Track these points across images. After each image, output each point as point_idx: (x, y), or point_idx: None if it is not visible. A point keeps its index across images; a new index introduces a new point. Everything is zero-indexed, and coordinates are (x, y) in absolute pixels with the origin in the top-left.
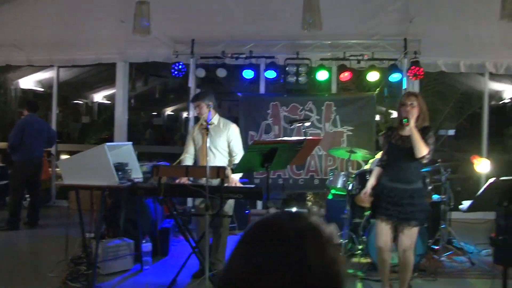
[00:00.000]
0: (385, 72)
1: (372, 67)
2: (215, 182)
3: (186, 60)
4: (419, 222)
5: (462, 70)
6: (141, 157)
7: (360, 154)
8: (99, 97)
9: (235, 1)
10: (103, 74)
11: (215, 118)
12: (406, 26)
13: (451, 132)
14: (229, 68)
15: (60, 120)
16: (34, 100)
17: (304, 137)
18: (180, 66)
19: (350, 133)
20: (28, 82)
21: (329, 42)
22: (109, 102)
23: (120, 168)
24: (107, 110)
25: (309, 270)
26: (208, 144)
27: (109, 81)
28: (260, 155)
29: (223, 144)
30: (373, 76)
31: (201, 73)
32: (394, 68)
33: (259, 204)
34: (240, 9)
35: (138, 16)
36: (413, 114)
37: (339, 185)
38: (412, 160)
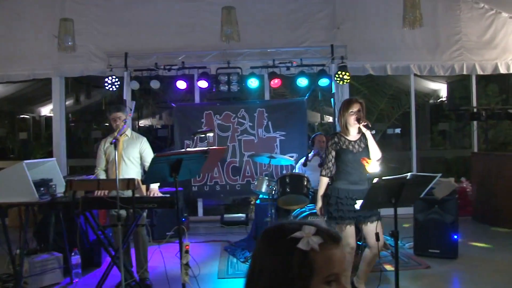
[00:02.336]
0: (315, 78)
1: (301, 73)
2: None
3: (121, 73)
4: (378, 216)
5: (389, 73)
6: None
7: (281, 159)
8: (46, 110)
9: (166, 14)
10: (48, 88)
11: (128, 131)
12: (334, 32)
13: (398, 130)
14: (162, 80)
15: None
16: None
17: (207, 148)
18: (113, 80)
19: (283, 137)
20: None
21: (259, 50)
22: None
23: (43, 184)
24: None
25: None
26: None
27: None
28: (168, 166)
29: (135, 155)
30: (302, 82)
31: (135, 85)
32: (322, 73)
33: (200, 211)
34: (171, 22)
35: (62, 33)
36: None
37: (263, 189)
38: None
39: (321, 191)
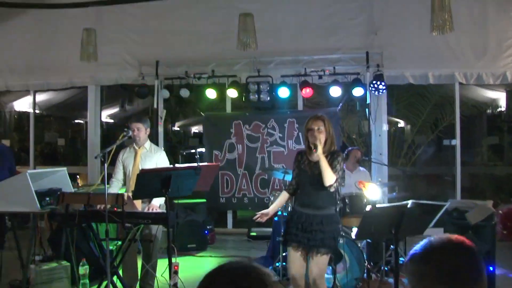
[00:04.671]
0: (348, 87)
1: (334, 82)
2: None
3: (152, 81)
4: (329, 249)
5: (430, 82)
6: None
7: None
8: (103, 116)
9: (196, 22)
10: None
11: (147, 144)
12: (371, 39)
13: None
14: (192, 88)
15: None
16: None
17: (197, 164)
18: (143, 88)
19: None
20: (24, 104)
21: (291, 58)
22: (112, 121)
23: (50, 193)
24: (109, 130)
25: None
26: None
27: (111, 100)
28: (158, 182)
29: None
30: (335, 91)
31: (166, 94)
32: (357, 82)
33: (229, 223)
34: (202, 30)
35: (84, 43)
36: (321, 139)
37: None
38: (321, 186)
39: (276, 202)
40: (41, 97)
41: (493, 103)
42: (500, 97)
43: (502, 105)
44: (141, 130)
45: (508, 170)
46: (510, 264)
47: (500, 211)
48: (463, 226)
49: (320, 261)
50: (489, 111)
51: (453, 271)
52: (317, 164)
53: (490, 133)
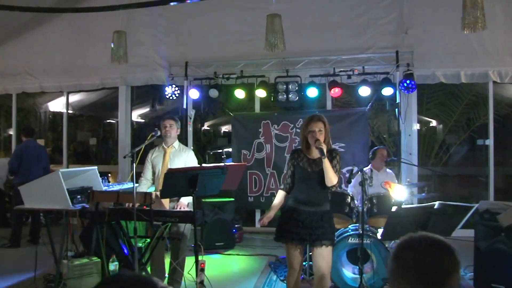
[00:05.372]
0: (378, 86)
1: (363, 82)
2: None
3: (181, 82)
4: (331, 242)
5: (463, 80)
6: None
7: None
8: (134, 115)
9: (225, 23)
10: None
11: (176, 143)
12: (401, 37)
13: (488, 142)
14: (221, 88)
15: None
16: (29, 126)
17: (223, 164)
18: (173, 88)
19: (342, 150)
20: (58, 105)
21: (319, 58)
22: (143, 120)
23: (82, 191)
24: (139, 129)
25: None
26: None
27: (142, 99)
28: (185, 181)
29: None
30: (364, 91)
31: (195, 94)
32: (386, 81)
33: (257, 222)
34: (230, 30)
35: (115, 45)
36: (323, 141)
37: None
38: (319, 184)
39: (274, 202)
40: (74, 97)
41: None
42: None
43: None
44: (173, 128)
45: None
46: None
47: None
48: (495, 228)
49: (325, 253)
50: None
51: (418, 269)
52: (315, 161)
53: None
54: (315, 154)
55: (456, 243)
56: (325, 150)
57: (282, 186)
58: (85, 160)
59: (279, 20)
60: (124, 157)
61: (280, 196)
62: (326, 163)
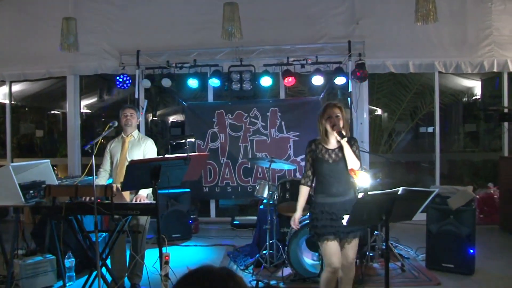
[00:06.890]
0: (331, 76)
1: (316, 71)
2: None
3: (133, 71)
4: (361, 231)
5: (411, 70)
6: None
7: (283, 164)
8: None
9: (178, 11)
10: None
11: (135, 133)
12: (352, 28)
13: (431, 129)
14: (174, 78)
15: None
16: None
17: (186, 154)
18: (124, 78)
19: (297, 138)
20: None
21: (273, 47)
22: (90, 111)
23: (34, 186)
24: (87, 120)
25: None
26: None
27: (88, 89)
28: (148, 172)
29: (139, 157)
30: (317, 80)
31: (147, 83)
32: (339, 71)
33: (212, 212)
34: (183, 19)
35: (64, 32)
36: (341, 126)
37: (264, 194)
38: (343, 172)
39: (299, 201)
40: (16, 87)
41: (469, 92)
42: (475, 85)
43: (477, 93)
44: (134, 117)
45: (484, 156)
46: (487, 246)
47: (477, 196)
48: (445, 211)
49: (354, 245)
50: (465, 99)
51: None
52: (334, 150)
53: (466, 120)
54: (334, 142)
55: (411, 227)
56: (344, 133)
57: (303, 181)
58: (29, 153)
59: (236, 9)
60: (86, 148)
61: (304, 192)
62: (347, 148)
